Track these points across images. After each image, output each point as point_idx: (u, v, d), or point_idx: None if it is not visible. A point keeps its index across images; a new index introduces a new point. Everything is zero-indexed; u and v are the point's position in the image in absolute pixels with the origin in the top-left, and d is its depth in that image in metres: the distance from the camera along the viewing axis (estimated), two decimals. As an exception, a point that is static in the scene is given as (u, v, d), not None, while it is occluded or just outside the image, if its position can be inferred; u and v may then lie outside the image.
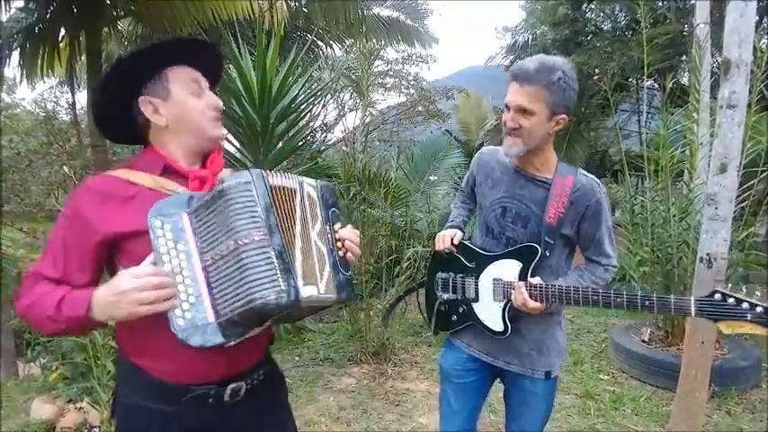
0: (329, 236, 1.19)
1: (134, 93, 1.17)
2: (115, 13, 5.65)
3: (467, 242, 1.76)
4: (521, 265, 1.59)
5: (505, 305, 1.61)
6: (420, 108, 11.60)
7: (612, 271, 1.66)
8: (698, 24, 3.64)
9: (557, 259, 1.64)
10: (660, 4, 9.54)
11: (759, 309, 1.24)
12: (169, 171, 1.17)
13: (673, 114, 3.97)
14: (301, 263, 1.06)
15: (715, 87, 2.59)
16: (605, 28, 11.21)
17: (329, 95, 7.96)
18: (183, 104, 1.17)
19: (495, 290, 1.63)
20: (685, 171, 3.76)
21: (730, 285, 1.36)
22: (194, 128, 1.19)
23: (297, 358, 4.10)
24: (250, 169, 1.05)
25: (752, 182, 3.29)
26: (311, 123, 4.57)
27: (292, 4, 6.67)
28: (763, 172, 3.36)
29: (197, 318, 1.02)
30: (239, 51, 3.82)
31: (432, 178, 7.34)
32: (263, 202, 1.01)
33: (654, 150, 3.84)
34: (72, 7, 5.24)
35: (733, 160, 2.32)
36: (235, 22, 4.76)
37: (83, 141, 6.82)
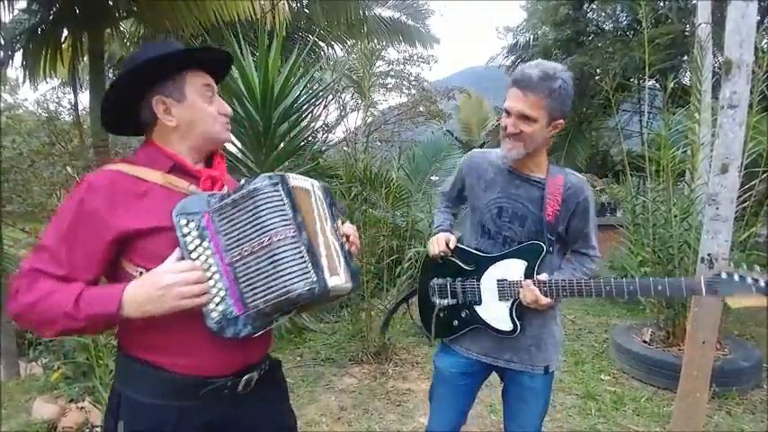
0: (337, 231, 1.27)
1: (150, 89, 1.18)
2: (117, 15, 5.66)
3: (461, 245, 1.76)
4: (526, 263, 1.61)
5: (512, 304, 1.63)
6: (421, 108, 11.60)
7: (598, 261, 1.75)
8: (699, 24, 3.64)
9: (553, 256, 1.68)
10: (662, 4, 9.55)
11: (761, 282, 1.37)
12: (178, 169, 1.19)
13: (674, 114, 3.97)
14: (326, 256, 1.13)
15: (716, 87, 2.59)
16: (607, 28, 11.22)
17: (331, 96, 7.97)
18: (198, 109, 1.21)
19: (500, 290, 1.64)
20: (687, 171, 3.76)
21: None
22: (204, 132, 1.22)
23: (298, 358, 4.11)
24: (271, 173, 1.10)
25: (753, 182, 3.29)
26: (312, 124, 4.58)
27: (294, 5, 6.68)
28: (764, 172, 3.36)
29: (227, 311, 1.07)
30: (241, 52, 3.83)
31: (433, 178, 7.35)
32: (289, 201, 1.08)
33: (655, 150, 3.84)
34: (75, 9, 5.26)
35: (734, 161, 2.32)
36: (237, 23, 4.77)
37: (85, 142, 6.84)
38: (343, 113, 10.20)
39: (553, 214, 1.60)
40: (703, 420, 2.63)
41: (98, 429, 2.78)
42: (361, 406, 3.25)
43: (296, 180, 1.14)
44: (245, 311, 1.07)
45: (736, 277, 1.40)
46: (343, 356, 4.07)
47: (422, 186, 6.83)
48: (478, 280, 1.69)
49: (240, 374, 1.17)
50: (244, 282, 1.06)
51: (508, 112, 1.55)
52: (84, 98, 7.68)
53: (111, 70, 7.45)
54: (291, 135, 4.03)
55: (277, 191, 1.07)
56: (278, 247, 1.04)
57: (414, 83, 12.06)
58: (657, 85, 8.99)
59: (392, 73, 11.99)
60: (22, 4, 5.62)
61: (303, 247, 1.06)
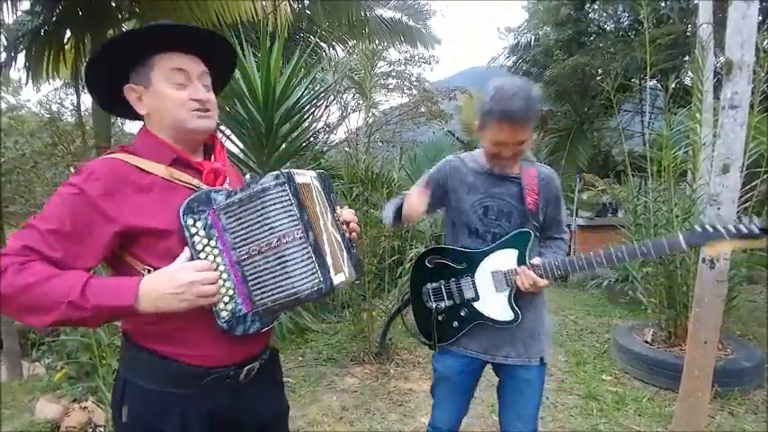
0: (337, 222, 1.30)
1: (123, 76, 1.16)
2: (120, 16, 5.68)
3: (449, 247, 1.82)
4: (517, 251, 1.69)
5: (510, 293, 1.69)
6: (422, 109, 11.60)
7: (567, 241, 1.91)
8: (701, 25, 3.64)
9: (536, 242, 1.79)
10: (663, 4, 9.53)
11: (732, 228, 1.52)
12: (180, 162, 1.17)
13: (676, 115, 3.97)
14: (330, 254, 1.15)
15: (718, 88, 2.59)
16: (608, 28, 11.19)
17: (332, 96, 7.98)
18: (161, 95, 1.15)
19: (496, 282, 1.70)
20: (688, 172, 3.75)
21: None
22: (171, 120, 1.16)
23: (300, 358, 4.11)
24: (278, 171, 1.09)
25: (754, 182, 3.30)
26: (314, 125, 4.59)
27: (295, 6, 6.69)
28: (765, 173, 3.36)
29: (236, 309, 1.09)
30: (243, 53, 3.84)
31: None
32: (296, 201, 1.08)
33: (657, 151, 3.84)
34: (77, 10, 5.27)
35: (735, 161, 2.32)
36: (239, 25, 4.78)
37: (87, 143, 6.85)
38: (344, 114, 10.21)
39: (533, 203, 1.71)
40: (705, 421, 2.63)
41: (101, 429, 2.79)
42: (363, 406, 3.26)
43: (299, 176, 1.14)
44: (253, 309, 1.09)
45: (709, 228, 1.55)
46: (344, 356, 4.08)
47: (423, 187, 6.82)
48: (473, 276, 1.74)
49: (242, 365, 1.19)
50: (252, 280, 1.08)
51: (501, 144, 1.62)
52: (87, 99, 7.70)
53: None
54: (293, 136, 4.04)
55: (285, 191, 1.07)
56: (286, 249, 1.05)
57: (415, 83, 12.06)
58: (659, 86, 9.00)
59: (393, 73, 11.99)
60: (25, 6, 5.64)
61: (310, 248, 1.07)
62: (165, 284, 1.03)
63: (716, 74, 3.60)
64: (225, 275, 1.08)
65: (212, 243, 1.08)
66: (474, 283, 1.73)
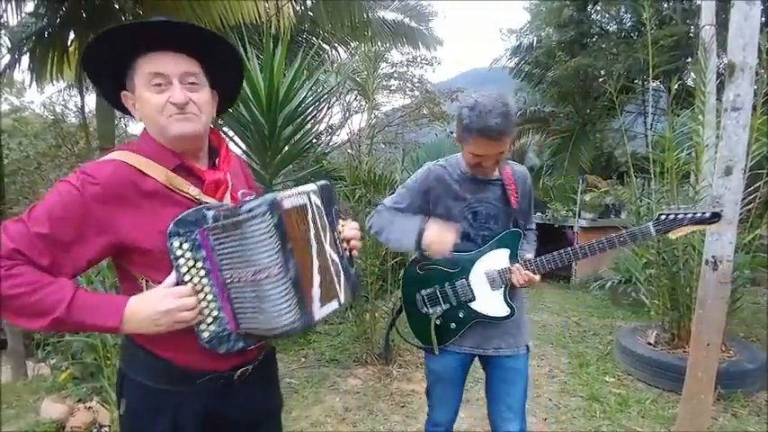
0: (338, 241, 1.26)
1: (120, 83, 1.15)
2: (123, 18, 5.70)
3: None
4: (508, 251, 1.79)
5: (505, 290, 1.78)
6: (425, 110, 11.62)
7: (535, 230, 2.03)
8: (703, 26, 3.64)
9: None
10: (665, 5, 9.53)
11: (689, 215, 1.70)
12: (183, 169, 1.15)
13: (678, 116, 3.97)
14: (320, 284, 1.13)
15: (721, 89, 2.59)
16: (611, 29, 11.20)
17: (334, 98, 8.00)
18: (143, 101, 1.11)
19: (491, 281, 1.78)
20: (691, 173, 3.75)
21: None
22: (155, 127, 1.12)
23: (303, 359, 4.12)
24: (264, 196, 1.04)
25: (757, 184, 3.30)
26: (316, 128, 4.60)
27: (298, 8, 6.71)
28: (768, 174, 3.36)
29: (219, 329, 1.10)
30: (246, 56, 3.85)
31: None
32: (278, 231, 1.03)
33: (659, 152, 3.84)
34: (81, 12, 5.30)
35: (738, 163, 2.33)
36: (242, 27, 4.80)
37: (91, 144, 6.88)
38: (347, 115, 10.23)
39: (516, 202, 1.82)
40: (708, 422, 2.63)
41: (106, 429, 2.80)
42: (366, 407, 3.26)
43: (291, 199, 1.09)
44: (238, 330, 1.10)
45: (671, 216, 1.70)
46: (347, 358, 4.09)
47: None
48: (467, 278, 1.81)
49: (237, 368, 1.21)
50: (236, 304, 1.08)
51: (481, 156, 1.67)
52: (91, 100, 7.72)
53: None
54: (296, 138, 4.05)
55: (264, 221, 1.00)
56: (262, 284, 1.02)
57: (417, 84, 12.08)
58: (662, 87, 9.00)
59: (395, 75, 12.01)
60: (29, 8, 5.67)
61: (289, 283, 1.03)
62: (145, 311, 1.04)
63: (719, 75, 3.60)
64: (210, 296, 1.08)
65: (199, 264, 1.07)
66: (469, 285, 1.80)
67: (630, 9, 10.00)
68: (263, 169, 3.92)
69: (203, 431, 1.18)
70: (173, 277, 1.07)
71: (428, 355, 1.93)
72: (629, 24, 10.86)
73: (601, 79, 10.01)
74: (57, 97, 11.40)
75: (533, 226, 2.01)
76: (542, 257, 1.75)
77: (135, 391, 1.19)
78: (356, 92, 10.26)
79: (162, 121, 1.10)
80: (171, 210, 1.08)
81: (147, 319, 1.04)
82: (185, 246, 1.06)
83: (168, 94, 1.09)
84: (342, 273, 1.24)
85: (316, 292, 1.12)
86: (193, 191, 1.13)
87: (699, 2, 7.05)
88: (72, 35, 5.84)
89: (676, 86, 3.78)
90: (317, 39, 7.45)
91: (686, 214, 1.71)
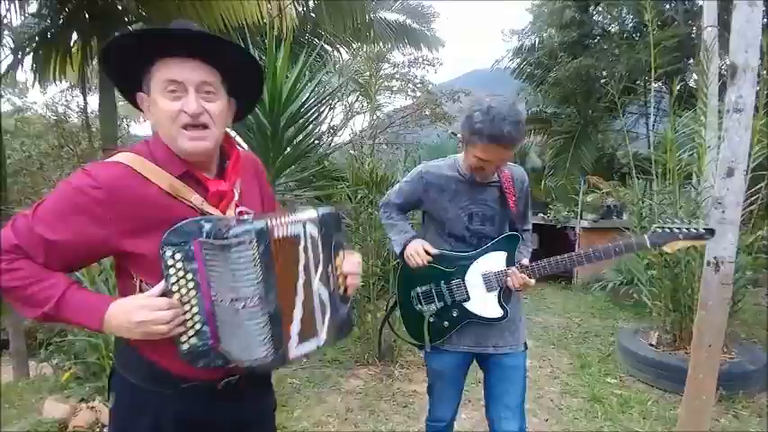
0: (331, 276, 1.19)
1: (136, 81, 1.14)
2: (126, 19, 5.72)
3: (438, 251, 1.86)
4: (506, 254, 1.80)
5: (499, 292, 1.80)
6: (427, 111, 11.61)
7: (531, 231, 2.04)
8: (706, 28, 3.64)
9: None
10: (668, 6, 9.52)
11: (684, 230, 1.72)
12: (189, 176, 1.14)
13: (681, 117, 3.97)
14: (300, 320, 1.10)
15: (723, 91, 2.59)
16: (613, 30, 11.18)
17: (336, 99, 8.00)
18: (156, 106, 1.10)
19: (487, 283, 1.79)
20: (693, 174, 3.75)
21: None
22: (166, 135, 1.12)
23: (304, 359, 4.12)
24: (254, 223, 1.02)
25: (759, 185, 3.30)
26: (318, 129, 4.60)
27: (300, 10, 6.72)
28: (770, 176, 3.35)
29: (200, 344, 1.08)
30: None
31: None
32: (263, 261, 1.01)
33: (661, 153, 3.84)
34: (84, 13, 5.32)
35: (740, 164, 2.33)
36: (245, 28, 4.81)
37: (94, 145, 6.89)
38: (348, 116, 10.24)
39: (514, 205, 1.82)
40: (710, 424, 2.63)
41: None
42: (368, 407, 3.27)
43: (283, 228, 1.07)
44: (218, 348, 1.08)
45: (667, 230, 1.72)
46: (349, 358, 4.09)
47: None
48: (463, 278, 1.82)
49: (221, 378, 1.18)
50: (219, 321, 1.07)
51: (487, 161, 1.68)
52: (93, 101, 7.75)
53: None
54: (298, 139, 4.05)
55: (249, 250, 0.99)
56: (240, 311, 1.01)
57: (419, 85, 12.08)
58: (664, 88, 8.98)
59: (397, 75, 12.01)
60: (32, 9, 5.68)
61: (266, 317, 1.02)
62: (121, 318, 1.05)
63: (721, 77, 3.60)
64: (196, 309, 1.06)
65: (189, 276, 1.05)
66: (464, 285, 1.82)
67: (632, 10, 9.99)
68: (266, 170, 3.92)
69: None
70: (160, 286, 1.06)
71: (428, 354, 1.94)
72: (630, 25, 10.84)
73: (603, 80, 10.01)
74: (59, 98, 11.40)
75: (529, 227, 2.03)
76: (538, 263, 1.77)
77: (122, 387, 1.21)
78: (358, 93, 10.27)
79: (173, 132, 1.10)
80: (170, 217, 1.07)
81: (123, 327, 1.06)
82: (177, 256, 1.04)
83: (182, 102, 1.08)
84: (328, 310, 1.18)
85: (295, 327, 1.09)
86: (197, 199, 1.12)
87: (701, 3, 7.05)
88: (75, 36, 5.85)
89: (678, 88, 3.78)
90: (319, 40, 7.47)
91: (680, 229, 1.73)
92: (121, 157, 1.10)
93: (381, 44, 9.12)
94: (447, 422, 2.00)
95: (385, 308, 4.18)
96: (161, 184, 1.09)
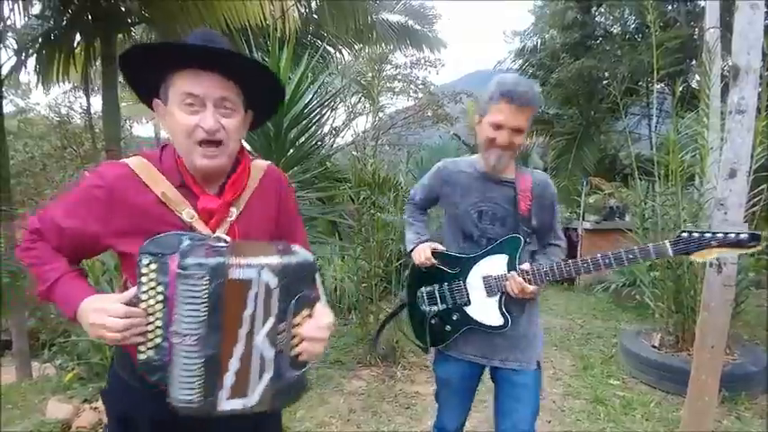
0: (281, 334, 1.05)
1: (154, 86, 1.14)
2: (129, 20, 5.74)
3: (445, 251, 1.83)
4: (507, 257, 1.70)
5: (500, 298, 1.70)
6: (429, 112, 11.63)
7: (564, 248, 1.87)
8: (708, 29, 3.64)
9: (529, 247, 1.79)
10: (670, 7, 9.52)
11: (719, 235, 1.49)
12: (185, 186, 1.15)
13: (683, 118, 3.97)
14: (235, 372, 1.01)
15: (725, 92, 2.59)
16: (615, 32, 11.19)
17: (339, 100, 8.01)
18: (173, 118, 1.10)
19: (486, 287, 1.72)
20: (696, 175, 3.75)
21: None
22: (180, 147, 1.12)
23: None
24: (211, 260, 0.97)
25: (762, 187, 3.29)
26: (320, 131, 4.61)
27: (303, 11, 6.73)
28: (773, 177, 3.35)
29: (156, 358, 1.05)
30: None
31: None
32: (211, 301, 0.97)
33: (664, 155, 3.84)
34: (87, 15, 5.34)
35: (742, 165, 2.33)
36: (248, 30, 4.82)
37: (97, 145, 6.92)
38: (350, 117, 10.26)
39: (526, 209, 1.71)
40: (712, 425, 2.63)
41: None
42: (370, 408, 3.27)
43: (241, 269, 0.99)
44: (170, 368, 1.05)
45: (695, 235, 1.51)
46: (351, 359, 4.09)
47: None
48: (465, 281, 1.76)
49: None
50: (174, 341, 1.03)
51: (499, 126, 1.62)
52: (97, 102, 7.78)
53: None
54: (301, 141, 4.06)
55: (198, 286, 0.96)
56: (179, 345, 0.98)
57: (421, 86, 12.11)
58: (666, 89, 8.98)
59: (399, 77, 12.04)
60: (36, 10, 5.70)
61: (200, 360, 0.98)
62: (84, 316, 1.07)
63: (723, 78, 3.60)
64: (159, 323, 1.04)
65: (159, 288, 1.03)
66: (466, 288, 1.75)
67: (635, 11, 9.99)
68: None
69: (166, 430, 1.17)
70: (132, 291, 1.05)
71: (435, 361, 1.92)
72: (633, 27, 10.86)
73: (605, 81, 10.02)
74: (62, 99, 11.48)
75: (560, 241, 1.86)
76: (540, 267, 1.65)
77: (114, 377, 1.25)
78: (360, 94, 10.29)
79: (188, 146, 1.10)
80: (158, 226, 1.08)
81: (85, 324, 1.08)
82: (153, 266, 1.02)
83: (200, 117, 1.08)
84: (269, 371, 1.04)
85: (229, 379, 1.01)
86: (187, 213, 1.12)
87: (703, 4, 7.06)
88: (78, 37, 5.87)
89: (681, 89, 3.78)
90: (321, 41, 7.48)
91: (714, 234, 1.49)
92: (131, 159, 1.15)
93: (383, 45, 9.13)
94: None
95: (387, 308, 4.22)
96: (156, 192, 1.11)
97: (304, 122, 3.98)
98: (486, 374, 1.90)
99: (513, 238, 1.70)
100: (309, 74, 4.13)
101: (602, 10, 10.97)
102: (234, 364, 1.01)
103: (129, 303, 1.04)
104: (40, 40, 5.84)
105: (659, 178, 3.91)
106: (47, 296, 1.14)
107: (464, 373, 1.84)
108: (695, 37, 8.65)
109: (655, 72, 3.90)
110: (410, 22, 9.74)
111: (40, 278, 1.14)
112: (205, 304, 0.96)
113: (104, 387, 1.30)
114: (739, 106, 2.29)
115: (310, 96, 3.99)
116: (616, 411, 3.24)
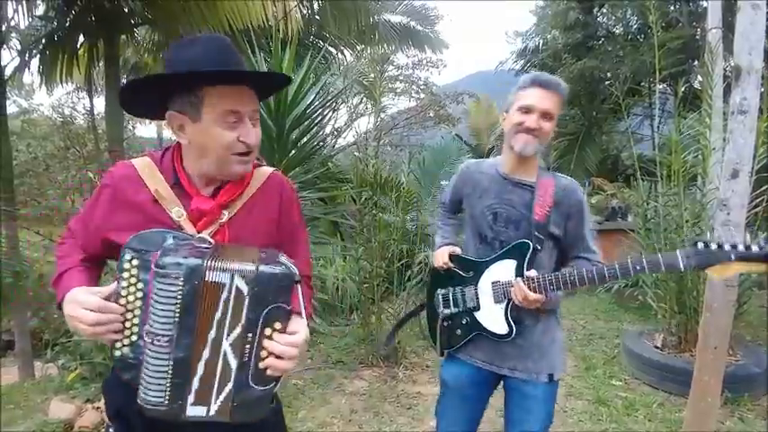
0: (248, 344, 1.01)
1: (167, 97, 1.13)
2: (132, 22, 5.76)
3: (461, 254, 1.80)
4: (515, 262, 1.64)
5: (507, 305, 1.64)
6: (431, 113, 11.63)
7: (596, 262, 1.68)
8: (710, 29, 3.64)
9: (548, 259, 1.69)
10: (672, 8, 9.50)
11: (740, 247, 1.32)
12: (179, 185, 1.16)
13: (685, 119, 3.96)
14: (200, 378, 0.99)
15: (728, 92, 2.59)
16: (617, 32, 11.18)
17: (341, 101, 8.02)
18: (211, 135, 1.10)
19: (494, 293, 1.67)
20: (698, 176, 3.74)
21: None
22: (213, 160, 1.13)
23: (309, 361, 4.13)
24: (188, 260, 0.97)
25: (764, 187, 3.28)
26: (321, 132, 4.61)
27: (305, 12, 6.74)
28: (775, 178, 3.34)
29: (131, 356, 1.04)
30: (255, 59, 3.88)
31: (443, 183, 7.36)
32: (184, 302, 0.96)
33: (666, 155, 3.83)
34: (90, 16, 5.36)
35: (745, 166, 2.32)
36: (251, 31, 4.83)
37: (100, 146, 6.93)
38: (353, 117, 10.26)
39: (542, 214, 1.63)
40: (715, 426, 2.63)
41: (113, 429, 2.82)
42: (372, 409, 3.27)
43: (217, 272, 0.97)
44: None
45: (713, 246, 1.36)
46: (353, 359, 4.10)
47: (431, 191, 6.85)
48: (476, 285, 1.72)
49: None
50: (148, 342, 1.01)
51: (528, 110, 1.60)
52: (100, 103, 7.80)
53: (125, 76, 7.57)
54: (303, 141, 4.07)
55: (174, 286, 0.95)
56: (149, 345, 0.97)
57: (423, 87, 12.11)
58: (668, 90, 8.96)
59: (401, 77, 12.04)
60: (40, 11, 5.73)
61: (169, 362, 0.96)
62: (66, 308, 1.07)
63: (725, 78, 3.59)
64: (137, 320, 1.03)
65: (140, 285, 1.02)
66: (476, 293, 1.71)
67: (637, 12, 9.98)
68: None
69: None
70: (111, 287, 1.05)
71: (443, 362, 1.87)
72: (635, 27, 10.84)
73: (607, 82, 10.00)
74: (65, 99, 11.51)
75: (590, 255, 1.70)
76: (545, 275, 1.56)
77: (114, 383, 1.23)
78: (362, 95, 10.29)
79: (227, 158, 1.12)
80: (149, 223, 1.10)
81: (66, 317, 1.08)
82: (135, 262, 1.03)
83: (238, 131, 1.10)
84: (230, 383, 1.01)
85: (195, 383, 0.99)
86: (176, 212, 1.13)
87: (705, 5, 7.04)
88: (81, 38, 5.90)
89: (683, 89, 3.78)
90: (323, 42, 7.49)
91: (735, 246, 1.31)
92: (138, 159, 1.21)
93: (385, 46, 9.14)
94: None
95: (389, 309, 4.23)
96: (150, 189, 1.15)
97: (306, 123, 3.99)
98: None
99: (522, 244, 1.64)
100: (312, 75, 4.15)
101: (605, 10, 10.96)
102: (200, 368, 0.99)
103: (108, 298, 1.04)
104: (43, 40, 5.87)
105: (661, 179, 3.90)
106: (54, 286, 1.19)
107: (472, 378, 1.77)
108: (697, 37, 8.64)
109: (657, 72, 3.90)
110: (412, 23, 9.75)
111: (57, 270, 1.20)
112: (178, 305, 0.95)
113: (106, 378, 1.33)
114: (741, 107, 2.29)
115: (312, 97, 4.00)
116: (618, 412, 3.24)
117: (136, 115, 1.47)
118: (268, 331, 1.02)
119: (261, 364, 1.02)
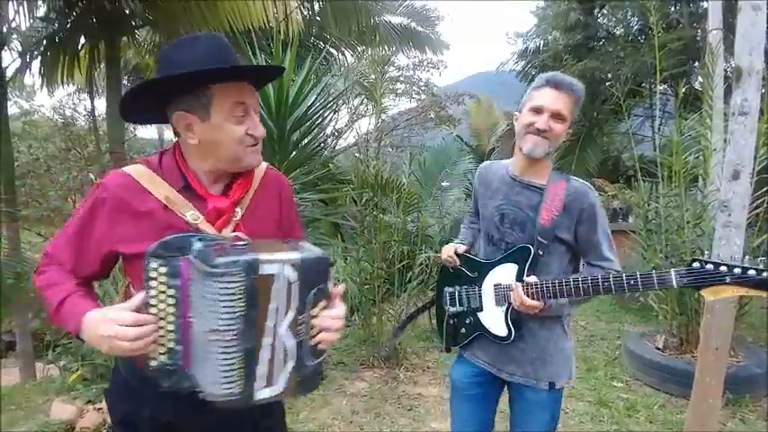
0: (301, 325, 1.08)
1: (168, 99, 1.12)
2: (134, 23, 5.77)
3: (469, 254, 1.81)
4: (517, 266, 1.63)
5: (507, 309, 1.64)
6: (431, 114, 11.64)
7: (611, 271, 1.61)
8: (711, 30, 3.64)
9: (558, 264, 1.65)
10: (673, 9, 9.51)
11: (737, 270, 1.26)
12: (189, 190, 1.15)
13: (686, 120, 3.96)
14: (264, 363, 1.04)
15: (728, 93, 2.59)
16: (618, 33, 11.19)
17: (342, 102, 8.02)
18: (222, 131, 1.11)
19: (496, 295, 1.67)
20: (699, 177, 3.74)
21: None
22: (227, 155, 1.14)
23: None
24: (243, 256, 0.99)
25: (765, 188, 3.28)
26: (322, 133, 4.62)
27: (306, 14, 6.75)
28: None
29: (170, 363, 1.05)
30: (256, 61, 3.89)
31: (444, 184, 7.36)
32: (246, 296, 0.99)
33: (667, 156, 3.83)
34: (92, 17, 5.37)
35: (746, 167, 2.33)
36: (251, 32, 4.84)
37: (101, 147, 6.95)
38: (353, 119, 10.26)
39: (549, 218, 1.59)
40: (716, 427, 2.62)
41: (115, 430, 2.83)
42: (373, 410, 3.27)
43: (267, 265, 1.01)
44: (188, 369, 1.05)
45: (708, 266, 1.32)
46: (354, 361, 4.10)
47: (432, 192, 6.84)
48: (480, 286, 1.73)
49: None
50: (192, 344, 1.03)
51: (539, 111, 1.58)
52: (101, 104, 7.83)
53: (126, 77, 7.59)
54: (304, 143, 4.08)
55: (234, 283, 0.97)
56: (217, 341, 0.99)
57: (423, 88, 12.11)
58: (669, 90, 8.96)
59: (402, 78, 12.05)
60: (41, 13, 5.73)
61: (240, 354, 1.00)
62: (91, 330, 1.05)
63: (726, 79, 3.59)
64: (172, 327, 1.03)
65: (170, 291, 1.02)
66: (480, 294, 1.72)
67: (637, 13, 10.00)
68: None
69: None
70: (140, 297, 1.03)
71: (452, 364, 1.89)
72: (636, 28, 10.85)
73: (608, 83, 10.00)
74: (67, 101, 11.53)
75: (605, 263, 1.62)
76: (542, 282, 1.54)
77: (116, 376, 1.26)
78: (363, 96, 10.30)
79: (239, 152, 1.14)
80: (164, 229, 1.08)
81: (93, 339, 1.05)
82: (162, 269, 1.02)
83: (246, 124, 1.13)
84: (292, 360, 1.08)
85: (261, 369, 1.04)
86: (192, 215, 1.13)
87: (706, 6, 7.04)
88: (82, 39, 5.91)
89: (684, 90, 3.78)
90: (324, 43, 7.50)
91: (731, 267, 1.27)
92: (131, 167, 1.16)
93: (386, 47, 9.15)
94: None
95: (390, 310, 4.22)
96: (158, 195, 1.13)
97: (307, 124, 4.00)
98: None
99: (525, 248, 1.62)
100: (312, 76, 4.15)
101: (605, 11, 10.97)
102: (264, 354, 1.04)
103: (138, 310, 1.02)
104: (44, 42, 5.88)
105: (662, 180, 3.90)
106: (55, 318, 1.13)
107: (477, 378, 1.77)
108: (698, 38, 8.64)
109: (658, 73, 3.91)
110: (412, 24, 9.75)
111: (49, 300, 1.13)
112: (242, 300, 0.98)
113: (108, 386, 1.30)
114: (742, 108, 2.29)
115: (313, 98, 4.01)
116: (620, 413, 3.24)
117: (134, 122, 1.44)
118: (316, 310, 1.10)
119: (313, 341, 1.11)
